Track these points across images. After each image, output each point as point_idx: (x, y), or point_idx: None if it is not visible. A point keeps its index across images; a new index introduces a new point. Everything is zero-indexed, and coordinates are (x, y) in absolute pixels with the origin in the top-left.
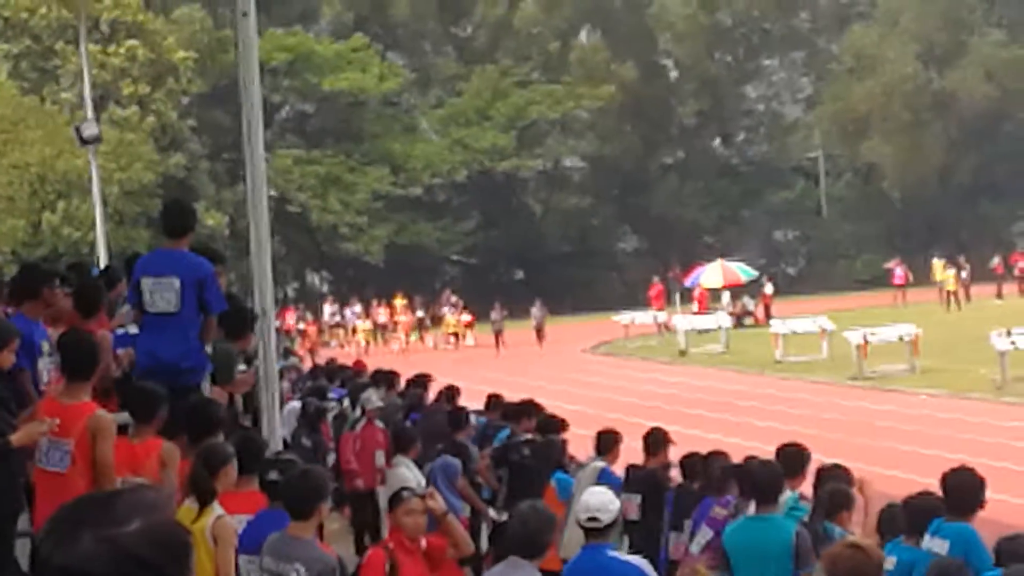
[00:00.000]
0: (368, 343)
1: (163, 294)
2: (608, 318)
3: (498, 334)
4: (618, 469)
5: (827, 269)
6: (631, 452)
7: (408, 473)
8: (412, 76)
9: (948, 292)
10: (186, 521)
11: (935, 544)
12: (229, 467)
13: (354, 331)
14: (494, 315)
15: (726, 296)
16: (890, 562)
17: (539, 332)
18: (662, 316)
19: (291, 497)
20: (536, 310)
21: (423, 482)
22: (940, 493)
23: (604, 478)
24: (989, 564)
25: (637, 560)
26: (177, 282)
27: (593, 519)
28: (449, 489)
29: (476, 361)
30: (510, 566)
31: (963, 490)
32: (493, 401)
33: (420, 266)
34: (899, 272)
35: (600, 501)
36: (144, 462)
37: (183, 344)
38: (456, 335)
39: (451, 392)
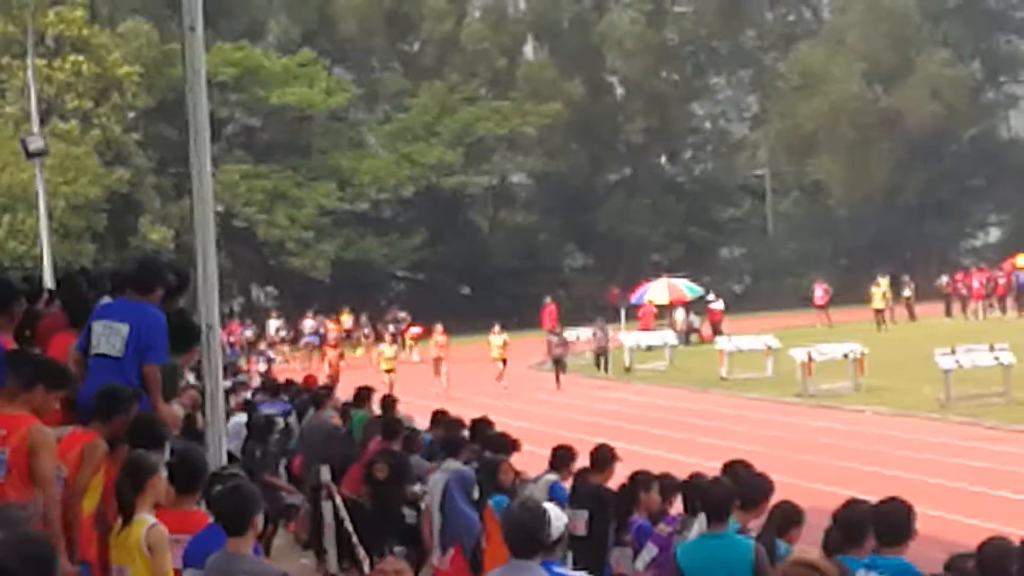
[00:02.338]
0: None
1: (110, 338)
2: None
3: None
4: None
5: (773, 287)
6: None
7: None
8: (359, 91)
9: (877, 311)
10: (135, 530)
11: None
12: (155, 478)
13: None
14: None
15: (680, 313)
16: None
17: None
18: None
19: (223, 513)
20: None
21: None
22: (837, 525)
23: (554, 493)
24: None
25: None
26: (125, 328)
27: None
28: (465, 501)
29: (424, 377)
30: (512, 569)
31: (895, 521)
32: (438, 418)
33: (367, 281)
34: (819, 292)
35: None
36: (66, 451)
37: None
38: (390, 371)
39: (388, 401)
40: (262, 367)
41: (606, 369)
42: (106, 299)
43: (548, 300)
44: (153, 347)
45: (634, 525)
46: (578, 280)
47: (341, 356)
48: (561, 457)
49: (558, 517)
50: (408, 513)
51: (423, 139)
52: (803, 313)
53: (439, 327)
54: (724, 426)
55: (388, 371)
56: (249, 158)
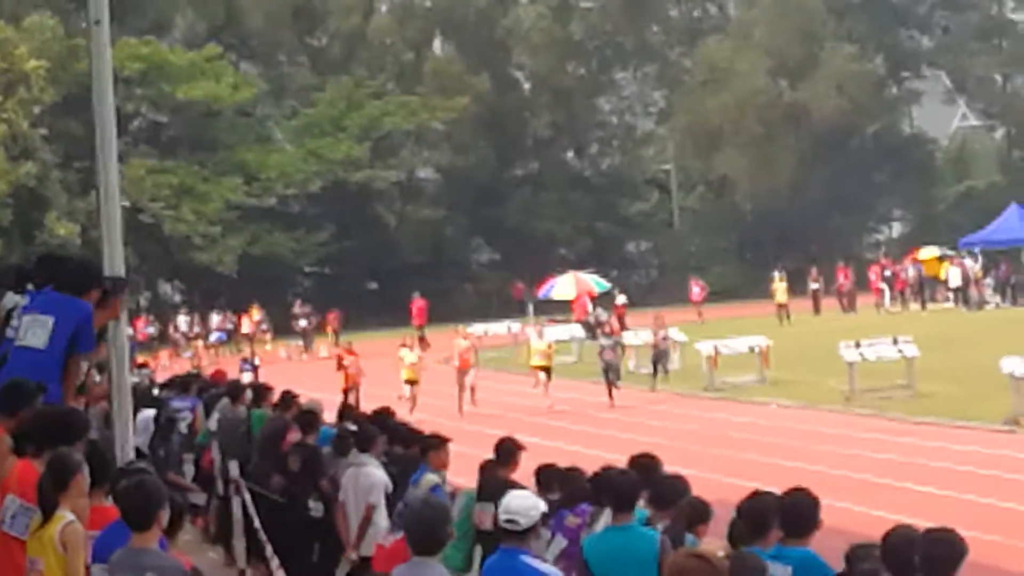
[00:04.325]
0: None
1: (36, 330)
2: (462, 329)
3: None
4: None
5: (679, 281)
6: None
7: (380, 472)
8: (266, 86)
9: (779, 305)
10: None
11: (777, 570)
12: (79, 476)
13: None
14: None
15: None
16: (785, 572)
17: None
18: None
19: (128, 509)
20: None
21: (390, 484)
22: (741, 517)
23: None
24: None
25: (549, 569)
26: (51, 321)
27: (511, 521)
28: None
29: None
30: (414, 566)
31: (801, 512)
32: (346, 411)
33: (274, 277)
34: (696, 290)
35: (521, 505)
36: None
37: (43, 380)
38: (412, 382)
39: (288, 397)
40: (247, 377)
41: (655, 376)
42: (10, 294)
43: (416, 296)
44: (80, 339)
45: (556, 517)
46: (485, 275)
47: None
48: (505, 451)
49: (533, 506)
50: (314, 506)
51: (330, 134)
52: (707, 307)
53: (462, 329)
54: (630, 419)
55: (410, 381)
56: (155, 153)
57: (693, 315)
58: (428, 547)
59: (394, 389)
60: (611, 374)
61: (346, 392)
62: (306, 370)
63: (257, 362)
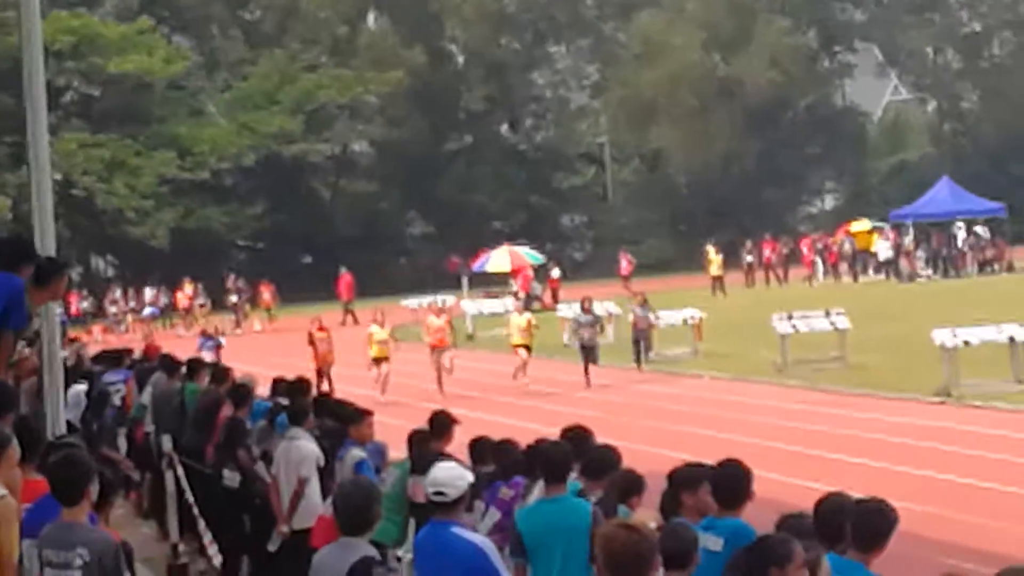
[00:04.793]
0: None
1: None
2: (396, 303)
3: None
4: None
5: (613, 254)
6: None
7: (312, 445)
8: (199, 59)
9: (714, 277)
10: None
11: (709, 541)
12: (10, 450)
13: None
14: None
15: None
16: (716, 543)
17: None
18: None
19: (57, 483)
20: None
21: (322, 457)
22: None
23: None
24: None
25: (479, 539)
26: None
27: (440, 493)
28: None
29: (263, 345)
30: (341, 546)
31: (733, 483)
32: (278, 385)
33: (207, 251)
34: (624, 263)
35: (448, 476)
36: None
37: None
38: (381, 359)
39: (219, 373)
40: (208, 355)
41: (638, 360)
42: None
43: (344, 271)
44: (12, 315)
45: (490, 489)
46: (420, 248)
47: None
48: (439, 424)
49: (460, 477)
50: (228, 476)
51: (264, 107)
52: (641, 280)
53: (434, 305)
54: (565, 392)
55: (380, 360)
56: (87, 127)
57: (620, 290)
58: (356, 527)
59: (362, 368)
60: (589, 353)
61: (319, 371)
62: (272, 347)
63: (223, 340)
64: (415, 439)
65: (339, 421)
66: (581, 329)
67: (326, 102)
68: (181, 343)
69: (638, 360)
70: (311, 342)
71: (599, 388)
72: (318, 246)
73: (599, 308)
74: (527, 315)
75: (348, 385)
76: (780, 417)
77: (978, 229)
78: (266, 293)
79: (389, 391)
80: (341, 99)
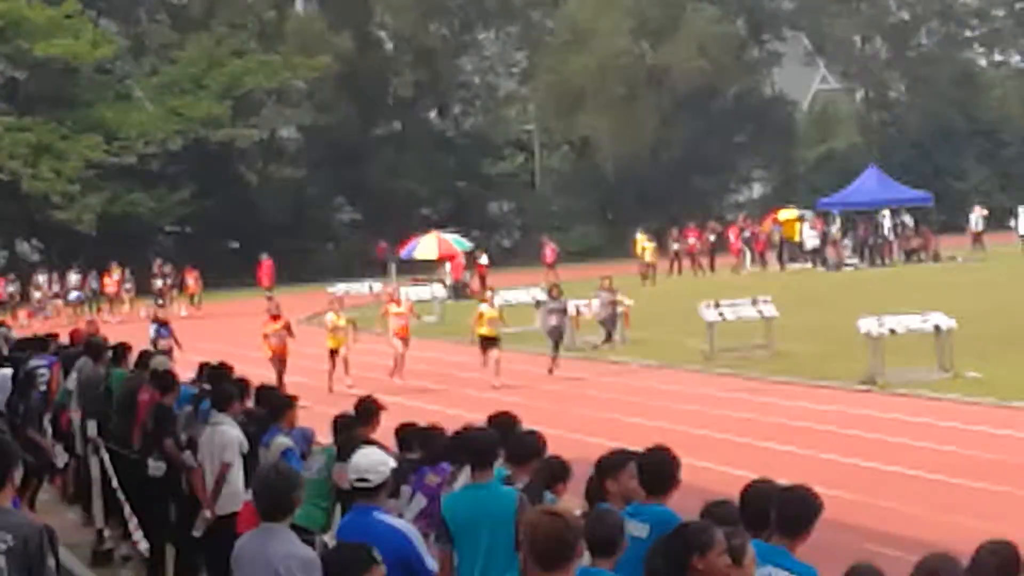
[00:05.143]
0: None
1: None
2: (323, 289)
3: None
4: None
5: (541, 241)
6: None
7: (235, 431)
8: (126, 43)
9: (647, 265)
10: None
11: (634, 528)
12: None
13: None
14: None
15: (448, 267)
16: (642, 529)
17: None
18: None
19: None
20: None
21: (245, 442)
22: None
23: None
24: None
25: (403, 524)
26: None
27: (362, 479)
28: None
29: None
30: (262, 532)
31: (660, 470)
32: (203, 370)
33: (134, 236)
34: (547, 251)
35: (370, 462)
36: None
37: None
38: (336, 350)
39: (146, 356)
40: (162, 344)
41: (608, 343)
42: None
43: (264, 257)
44: None
45: (416, 476)
46: (347, 235)
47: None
48: (366, 411)
49: (382, 462)
50: (154, 466)
51: (191, 92)
52: (570, 267)
53: (395, 293)
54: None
55: (335, 350)
56: (13, 110)
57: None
58: (275, 513)
59: (317, 361)
60: (555, 341)
61: (274, 362)
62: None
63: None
64: (340, 425)
65: (265, 408)
66: (550, 315)
67: (253, 87)
68: (107, 329)
69: (608, 340)
70: (265, 336)
71: (526, 376)
72: (245, 232)
73: (525, 295)
74: (497, 305)
75: (300, 376)
76: (707, 405)
77: (904, 218)
78: (190, 279)
79: (342, 382)
80: (269, 84)
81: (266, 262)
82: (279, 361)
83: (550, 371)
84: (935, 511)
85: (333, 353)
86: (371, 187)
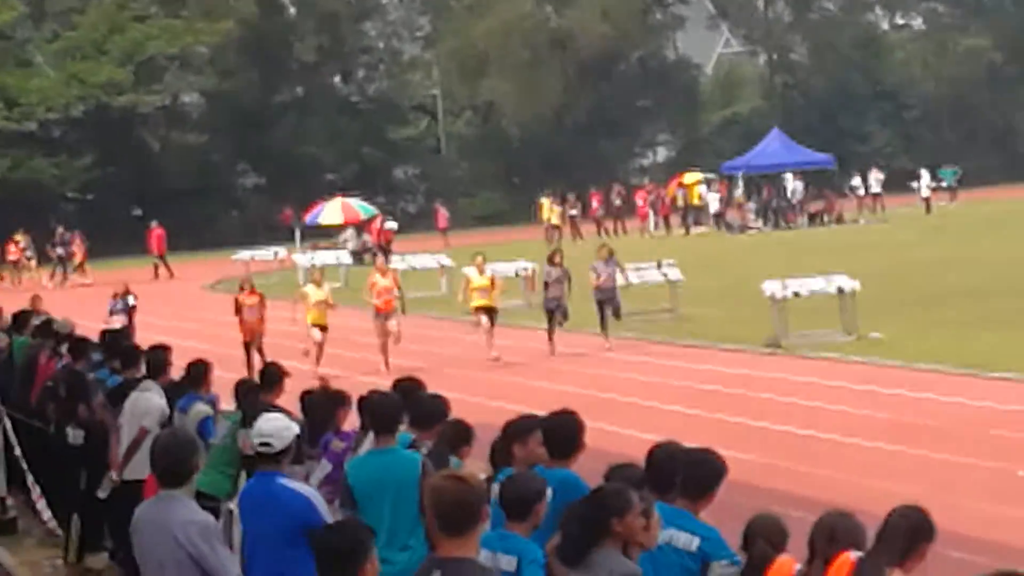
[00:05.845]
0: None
1: None
2: (228, 255)
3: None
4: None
5: (446, 206)
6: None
7: (160, 399)
8: (26, 8)
9: (553, 227)
10: None
11: None
12: None
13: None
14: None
15: (351, 232)
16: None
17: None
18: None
19: None
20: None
21: (166, 409)
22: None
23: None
24: None
25: (307, 490)
26: None
27: (266, 444)
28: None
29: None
30: (160, 500)
31: (565, 434)
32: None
33: (35, 203)
34: (440, 217)
35: (273, 427)
36: None
37: None
38: (323, 327)
39: (48, 323)
40: (119, 319)
41: (603, 326)
42: None
43: (154, 224)
44: None
45: (322, 441)
46: (251, 200)
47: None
48: (270, 376)
49: (286, 427)
50: (72, 434)
51: (92, 58)
52: (477, 232)
53: (380, 262)
54: (401, 345)
55: (320, 327)
56: None
57: (439, 243)
58: (173, 479)
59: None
60: (556, 313)
61: (247, 345)
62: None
63: (133, 301)
64: (243, 390)
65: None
66: (550, 286)
67: (156, 53)
68: (10, 296)
69: (603, 325)
70: (237, 310)
71: (432, 340)
72: (148, 198)
73: (431, 261)
74: (489, 272)
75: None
76: (613, 368)
77: (796, 184)
78: (74, 246)
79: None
80: (171, 49)
81: (156, 229)
82: (258, 338)
83: (552, 351)
84: (841, 472)
85: (320, 328)
86: (275, 153)
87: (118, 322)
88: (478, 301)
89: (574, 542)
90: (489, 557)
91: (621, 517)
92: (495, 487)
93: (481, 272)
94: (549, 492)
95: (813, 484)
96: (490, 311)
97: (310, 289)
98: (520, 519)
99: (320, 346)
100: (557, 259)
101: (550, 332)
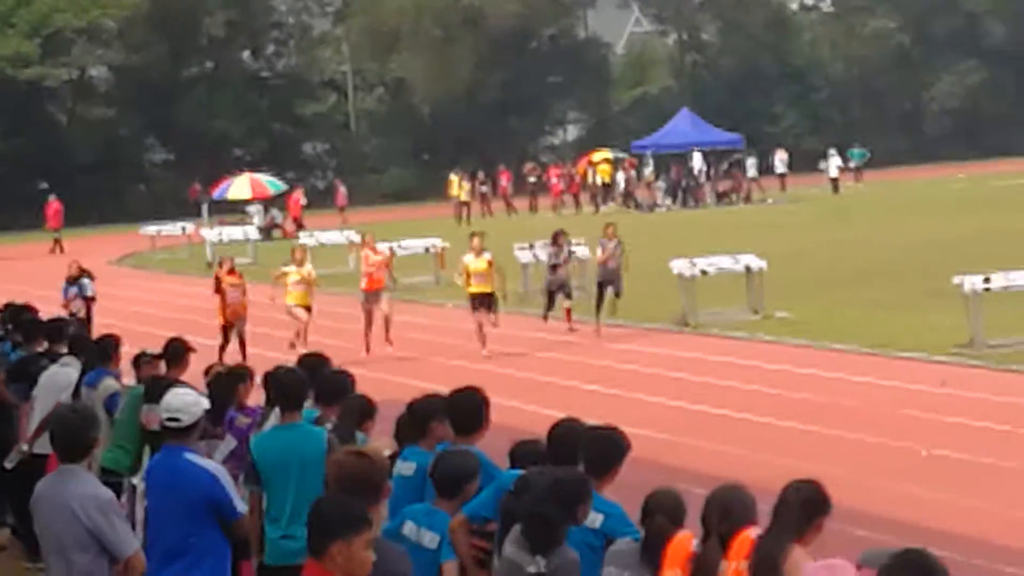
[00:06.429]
0: None
1: None
2: (135, 230)
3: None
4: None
5: (356, 183)
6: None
7: (72, 371)
8: None
9: (462, 204)
10: None
11: (403, 467)
12: None
13: None
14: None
15: (257, 207)
16: (408, 467)
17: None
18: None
19: None
20: None
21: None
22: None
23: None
24: (505, 475)
25: (213, 466)
26: None
27: (174, 419)
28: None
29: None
30: (60, 474)
31: (468, 410)
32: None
33: None
34: (339, 195)
35: (182, 402)
36: None
37: None
38: (306, 306)
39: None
40: (77, 305)
41: (598, 310)
42: None
43: (52, 198)
44: None
45: (227, 418)
46: (159, 175)
47: None
48: (175, 352)
49: (194, 403)
50: None
51: None
52: (382, 209)
53: (369, 237)
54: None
55: (304, 306)
56: None
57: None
58: (71, 454)
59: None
60: (561, 293)
61: (225, 329)
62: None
63: (92, 291)
64: (144, 365)
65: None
66: (556, 268)
67: (63, 26)
68: None
69: (599, 308)
70: (218, 289)
71: (340, 317)
72: (55, 172)
73: (340, 236)
74: (486, 255)
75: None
76: (521, 346)
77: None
78: None
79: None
80: (78, 23)
81: (53, 203)
82: (240, 322)
83: (570, 328)
84: (745, 449)
85: (304, 309)
86: (183, 127)
87: (75, 308)
88: (476, 287)
89: (550, 528)
90: (413, 531)
91: (585, 504)
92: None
93: (478, 255)
94: (412, 466)
95: (725, 463)
96: (489, 299)
97: (291, 269)
98: (449, 497)
99: (305, 327)
100: (561, 240)
101: (546, 312)
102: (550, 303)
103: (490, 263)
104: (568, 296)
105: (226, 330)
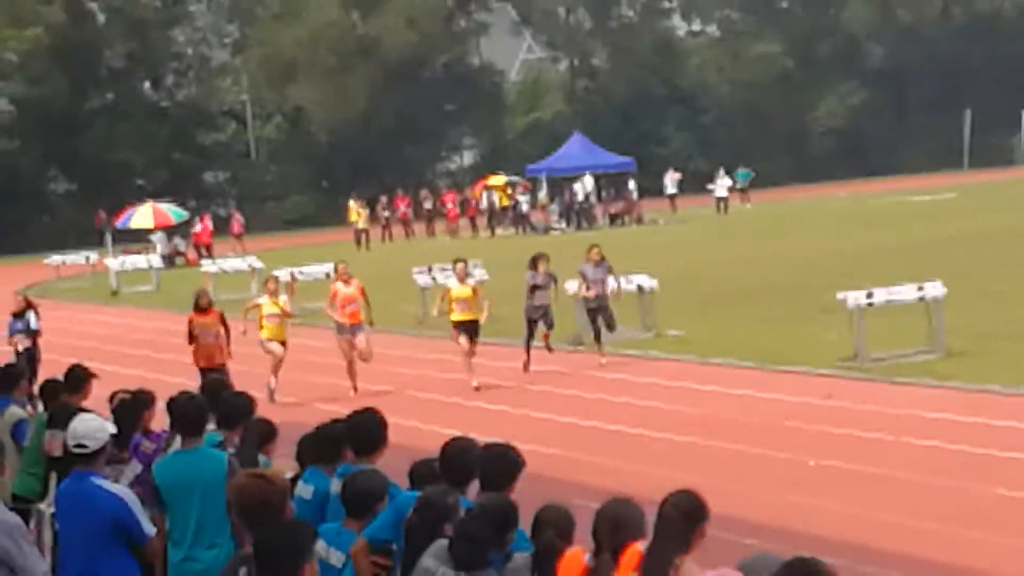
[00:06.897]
0: None
1: None
2: (39, 260)
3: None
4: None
5: (257, 210)
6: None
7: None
8: None
9: (360, 230)
10: None
11: (301, 490)
12: None
13: None
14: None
15: (160, 236)
16: (307, 491)
17: None
18: None
19: None
20: None
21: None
22: (313, 440)
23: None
24: (401, 496)
25: (121, 490)
26: None
27: (80, 445)
28: None
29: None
30: None
31: (367, 432)
32: None
33: None
34: (235, 223)
35: (87, 428)
36: None
37: None
38: (281, 341)
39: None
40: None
41: (598, 338)
42: None
43: None
44: None
45: (132, 442)
46: (62, 206)
47: None
48: (75, 379)
49: (100, 429)
50: None
51: None
52: (282, 236)
53: (342, 268)
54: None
55: (279, 341)
56: None
57: (269, 244)
58: None
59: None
60: (542, 321)
61: (203, 371)
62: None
63: (36, 324)
64: (47, 392)
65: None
66: (534, 293)
67: None
68: None
69: (597, 338)
70: (191, 336)
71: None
72: None
73: (242, 263)
74: (471, 281)
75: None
76: (420, 367)
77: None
78: None
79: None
80: None
81: None
82: (216, 366)
83: (548, 350)
84: (637, 464)
85: (279, 343)
86: (85, 158)
87: (21, 345)
88: (459, 315)
89: (480, 549)
90: (322, 549)
91: (512, 531)
92: (336, 483)
93: (462, 280)
94: (310, 489)
95: (617, 478)
96: (473, 327)
97: (264, 301)
98: (358, 517)
99: (280, 362)
100: (541, 266)
101: (528, 347)
102: (530, 332)
103: (475, 290)
104: (549, 326)
105: (204, 373)
